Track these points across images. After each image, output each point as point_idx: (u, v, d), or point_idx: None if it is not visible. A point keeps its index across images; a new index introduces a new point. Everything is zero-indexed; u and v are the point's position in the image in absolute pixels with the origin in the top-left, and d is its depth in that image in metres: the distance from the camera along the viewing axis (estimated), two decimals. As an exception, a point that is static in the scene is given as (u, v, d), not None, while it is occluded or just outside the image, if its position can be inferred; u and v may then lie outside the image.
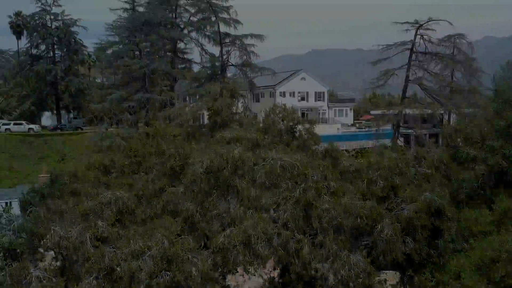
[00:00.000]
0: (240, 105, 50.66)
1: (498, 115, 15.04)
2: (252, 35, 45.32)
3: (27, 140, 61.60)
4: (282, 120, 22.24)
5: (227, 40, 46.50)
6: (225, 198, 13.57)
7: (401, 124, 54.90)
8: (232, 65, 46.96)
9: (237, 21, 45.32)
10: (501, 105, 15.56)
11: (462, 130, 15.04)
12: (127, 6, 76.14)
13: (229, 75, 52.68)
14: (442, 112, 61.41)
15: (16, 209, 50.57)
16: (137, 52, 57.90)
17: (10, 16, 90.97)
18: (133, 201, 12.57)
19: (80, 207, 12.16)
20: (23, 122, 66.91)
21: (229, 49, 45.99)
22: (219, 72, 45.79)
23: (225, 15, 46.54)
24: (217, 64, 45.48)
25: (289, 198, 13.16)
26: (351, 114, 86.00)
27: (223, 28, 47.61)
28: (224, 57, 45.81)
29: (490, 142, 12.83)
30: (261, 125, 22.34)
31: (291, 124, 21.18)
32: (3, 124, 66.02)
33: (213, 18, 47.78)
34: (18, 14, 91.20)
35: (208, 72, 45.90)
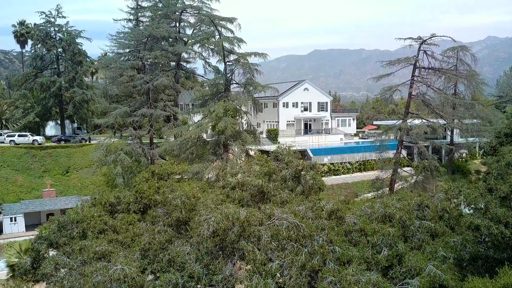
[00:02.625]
0: (244, 122, 51.04)
1: (501, 179, 15.10)
2: (256, 54, 45.54)
3: (31, 152, 61.93)
4: (287, 165, 22.37)
5: (231, 58, 46.71)
6: (231, 260, 13.77)
7: (404, 139, 54.96)
8: (236, 83, 47.15)
9: (240, 40, 45.49)
10: (504, 169, 15.62)
11: (466, 197, 15.10)
12: (131, 17, 76.75)
13: (233, 88, 52.91)
14: (445, 123, 61.72)
15: (21, 224, 51.20)
16: (140, 63, 58.11)
17: (14, 25, 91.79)
18: (142, 278, 12.73)
19: (88, 281, 12.33)
20: (28, 133, 67.22)
21: (233, 67, 46.17)
22: (223, 90, 45.98)
23: (229, 34, 46.73)
24: (221, 82, 45.67)
25: (295, 262, 13.32)
26: (354, 124, 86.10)
27: (226, 45, 47.76)
28: (228, 75, 45.96)
29: (493, 210, 12.95)
30: (265, 169, 22.41)
31: (295, 170, 21.29)
32: (8, 136, 66.38)
33: (217, 36, 47.97)
34: (22, 23, 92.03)
35: (213, 90, 46.10)
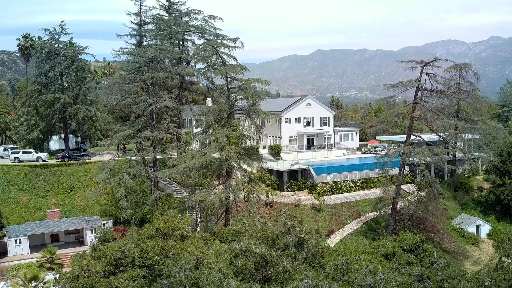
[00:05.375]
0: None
1: (501, 269, 15.21)
2: (259, 81, 45.79)
3: (35, 171, 62.29)
4: (289, 230, 22.50)
5: (234, 84, 47.01)
6: None
7: (406, 162, 55.14)
8: (240, 109, 47.40)
9: (243, 67, 45.73)
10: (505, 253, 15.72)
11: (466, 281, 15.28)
12: (134, 32, 77.22)
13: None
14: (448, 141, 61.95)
15: (25, 246, 51.58)
16: (143, 83, 58.38)
17: (18, 38, 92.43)
18: None
19: None
20: (32, 150, 67.66)
21: (236, 94, 46.43)
22: (226, 117, 46.26)
23: (232, 61, 46.95)
24: (224, 109, 45.93)
25: None
26: (356, 138, 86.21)
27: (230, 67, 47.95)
28: (231, 102, 46.24)
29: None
30: (269, 231, 22.46)
31: (298, 236, 21.42)
32: (12, 153, 66.90)
33: (219, 60, 48.20)
34: (26, 36, 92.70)
35: (217, 117, 46.40)
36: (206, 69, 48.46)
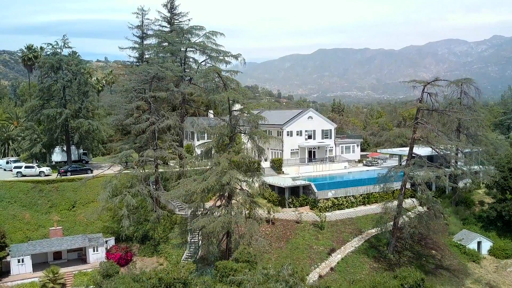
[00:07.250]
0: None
1: None
2: (262, 105, 46.08)
3: (38, 187, 62.46)
4: None
5: (236, 108, 47.22)
6: None
7: (408, 181, 55.40)
8: (241, 132, 47.62)
9: (245, 92, 45.99)
10: None
11: None
12: (136, 45, 77.47)
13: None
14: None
15: (28, 265, 51.78)
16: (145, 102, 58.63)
17: (21, 49, 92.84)
18: None
19: None
20: (35, 165, 68.02)
21: (238, 117, 46.62)
22: (228, 141, 46.48)
23: (234, 85, 47.08)
24: (225, 132, 46.14)
25: None
26: (358, 150, 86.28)
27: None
28: (233, 125, 46.43)
29: None
30: (271, 286, 22.57)
31: None
32: (15, 167, 67.26)
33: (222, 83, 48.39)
34: (29, 47, 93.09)
35: (219, 140, 46.59)
36: (212, 96, 48.72)
